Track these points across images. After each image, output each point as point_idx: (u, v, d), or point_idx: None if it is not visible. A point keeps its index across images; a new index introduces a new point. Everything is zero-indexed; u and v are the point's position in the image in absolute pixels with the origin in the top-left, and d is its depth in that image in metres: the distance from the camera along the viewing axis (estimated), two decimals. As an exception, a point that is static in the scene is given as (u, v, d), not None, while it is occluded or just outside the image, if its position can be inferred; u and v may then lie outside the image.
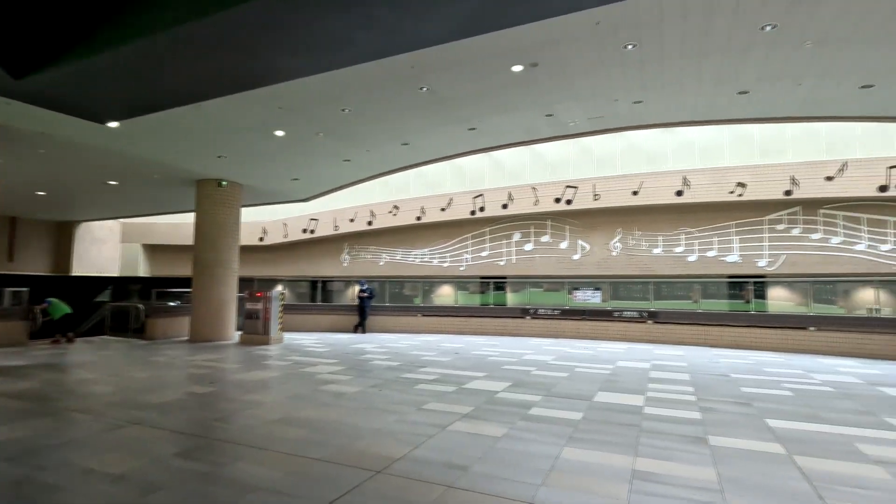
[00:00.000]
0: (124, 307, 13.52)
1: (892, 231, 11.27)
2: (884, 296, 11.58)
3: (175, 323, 12.96)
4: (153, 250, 22.34)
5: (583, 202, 13.88)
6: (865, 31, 5.79)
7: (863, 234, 11.52)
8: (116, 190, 13.77)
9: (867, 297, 11.53)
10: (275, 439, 4.30)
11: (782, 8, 5.41)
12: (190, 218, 14.31)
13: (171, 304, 14.27)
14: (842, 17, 5.53)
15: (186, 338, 12.40)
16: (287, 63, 4.19)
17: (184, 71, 4.34)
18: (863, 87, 7.29)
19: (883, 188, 10.91)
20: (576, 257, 14.54)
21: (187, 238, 16.54)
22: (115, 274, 21.49)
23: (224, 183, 12.37)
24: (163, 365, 8.38)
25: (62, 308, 11.35)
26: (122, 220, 21.05)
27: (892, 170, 10.83)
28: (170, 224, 20.70)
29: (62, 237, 20.14)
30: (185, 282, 12.96)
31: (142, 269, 22.15)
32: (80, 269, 20.10)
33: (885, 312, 10.82)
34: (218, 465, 3.69)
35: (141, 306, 12.88)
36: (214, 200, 12.41)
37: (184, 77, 4.48)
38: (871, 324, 9.74)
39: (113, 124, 8.23)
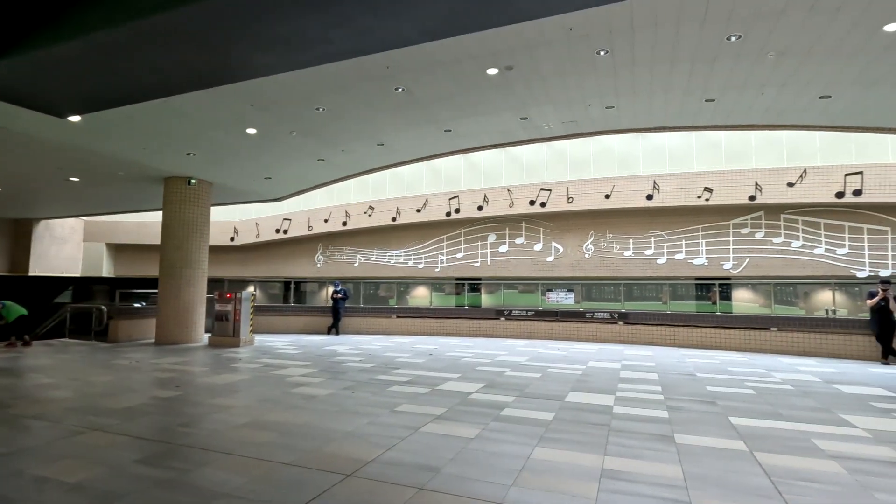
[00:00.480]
0: (86, 308, 12.99)
1: (848, 236, 11.82)
2: (840, 297, 12.11)
3: (140, 325, 12.54)
4: (118, 250, 21.57)
5: (557, 205, 14.08)
6: (824, 44, 6.05)
7: (821, 239, 12.04)
8: (78, 187, 13.23)
9: (825, 299, 12.04)
10: (242, 444, 4.20)
11: (747, 20, 5.61)
12: (157, 216, 13.88)
13: (137, 305, 13.79)
14: (802, 30, 5.77)
15: (152, 340, 12.00)
16: (259, 59, 4.11)
17: (150, 64, 4.19)
18: (821, 97, 7.62)
19: (840, 195, 11.42)
20: (549, 259, 14.72)
21: (154, 237, 16.06)
22: (77, 274, 20.67)
23: (193, 181, 12.04)
24: (126, 368, 8.09)
25: (17, 310, 10.81)
26: (84, 217, 20.25)
27: (849, 177, 11.36)
28: (136, 223, 20.03)
29: (19, 235, 19.25)
30: (152, 282, 12.54)
31: (106, 270, 21.34)
32: (38, 268, 19.25)
33: (842, 313, 11.31)
34: (182, 472, 3.58)
35: (104, 308, 12.40)
36: (183, 199, 12.06)
37: (150, 71, 4.33)
38: (829, 324, 10.17)
39: (74, 118, 7.90)
